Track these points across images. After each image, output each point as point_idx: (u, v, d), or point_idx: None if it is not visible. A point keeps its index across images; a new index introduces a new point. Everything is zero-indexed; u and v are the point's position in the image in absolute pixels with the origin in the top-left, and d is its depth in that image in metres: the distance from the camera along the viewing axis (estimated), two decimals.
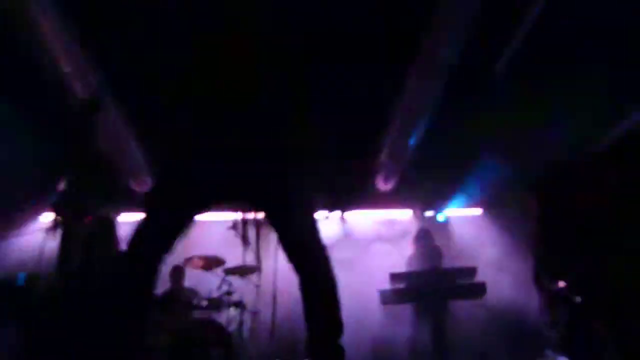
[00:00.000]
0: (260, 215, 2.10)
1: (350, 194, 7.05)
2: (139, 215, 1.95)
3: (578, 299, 3.22)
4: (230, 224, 5.03)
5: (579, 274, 3.28)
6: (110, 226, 3.87)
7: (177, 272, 5.17)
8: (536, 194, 3.61)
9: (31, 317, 3.02)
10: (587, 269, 3.25)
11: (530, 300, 3.79)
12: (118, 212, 6.53)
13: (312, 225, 2.00)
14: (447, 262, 5.61)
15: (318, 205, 6.54)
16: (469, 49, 4.47)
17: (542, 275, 3.60)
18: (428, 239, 5.73)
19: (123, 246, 3.93)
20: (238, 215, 4.89)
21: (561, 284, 3.37)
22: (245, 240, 4.74)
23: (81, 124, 1.66)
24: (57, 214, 1.53)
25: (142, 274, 1.87)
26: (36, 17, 3.83)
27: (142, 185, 6.44)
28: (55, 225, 1.52)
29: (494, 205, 7.03)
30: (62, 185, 1.60)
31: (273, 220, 2.02)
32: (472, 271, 4.88)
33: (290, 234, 1.98)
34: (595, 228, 3.34)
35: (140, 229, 1.89)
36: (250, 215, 4.78)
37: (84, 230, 3.29)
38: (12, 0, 3.71)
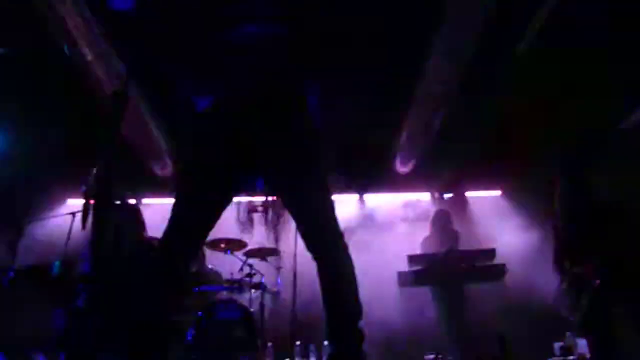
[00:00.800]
0: (279, 199, 2.15)
1: (369, 176, 7.10)
2: (162, 200, 2.02)
3: (597, 282, 3.22)
4: (252, 207, 5.12)
5: (601, 257, 3.28)
6: (136, 212, 3.99)
7: (199, 253, 5.29)
8: (560, 175, 3.60)
9: (68, 304, 3.14)
10: (609, 252, 3.25)
11: (551, 282, 3.80)
12: (142, 196, 6.70)
13: (329, 211, 2.01)
14: (466, 244, 5.62)
15: (336, 189, 6.61)
16: (488, 30, 4.42)
17: (563, 257, 3.60)
18: (446, 221, 5.73)
19: (148, 232, 4.06)
20: (259, 199, 4.97)
21: (583, 267, 3.37)
22: (266, 223, 4.81)
23: (111, 112, 1.71)
24: (89, 199, 1.59)
25: (177, 265, 1.93)
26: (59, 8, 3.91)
27: (165, 169, 6.56)
28: (86, 211, 1.58)
29: (513, 186, 6.99)
30: (93, 172, 1.66)
31: (290, 204, 2.05)
32: (491, 253, 4.89)
33: (307, 219, 2.01)
34: (619, 211, 3.33)
35: (173, 221, 1.95)
36: (270, 199, 4.86)
37: (113, 217, 3.40)
38: None
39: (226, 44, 2.03)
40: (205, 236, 2.05)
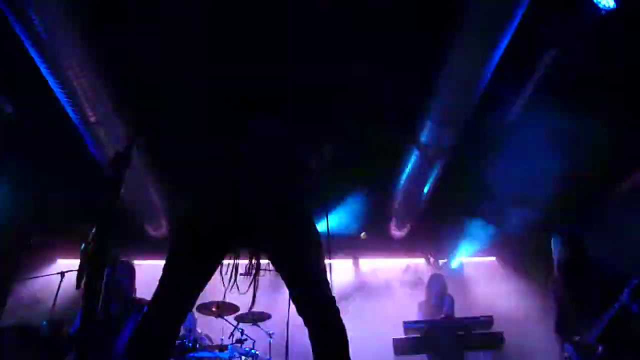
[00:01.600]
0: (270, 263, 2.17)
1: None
2: (154, 262, 2.01)
3: (600, 348, 3.16)
4: (244, 271, 5.05)
5: (604, 324, 3.23)
6: (132, 270, 3.96)
7: (190, 319, 5.15)
8: (560, 240, 3.61)
9: None
10: (611, 318, 3.21)
11: (549, 350, 3.72)
12: (134, 257, 6.62)
13: (322, 274, 2.03)
14: (462, 310, 5.53)
15: (330, 253, 6.60)
16: (480, 102, 4.58)
17: (564, 325, 3.55)
18: (441, 286, 5.67)
19: (139, 292, 4.00)
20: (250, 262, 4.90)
21: (584, 335, 3.32)
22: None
23: (113, 175, 1.75)
24: (86, 259, 1.59)
25: (164, 330, 1.91)
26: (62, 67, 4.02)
27: (158, 230, 6.54)
28: (83, 270, 1.58)
29: (507, 252, 6.98)
30: (92, 232, 1.67)
31: (283, 268, 2.06)
32: (488, 320, 4.81)
33: (299, 281, 2.02)
34: (618, 277, 3.31)
35: (163, 284, 1.94)
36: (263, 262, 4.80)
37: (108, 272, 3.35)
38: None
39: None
40: (196, 298, 2.03)
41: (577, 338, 3.37)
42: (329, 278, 2.04)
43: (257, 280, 3.43)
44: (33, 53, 3.71)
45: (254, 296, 2.17)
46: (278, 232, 2.03)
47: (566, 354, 3.45)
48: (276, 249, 2.08)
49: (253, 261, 2.15)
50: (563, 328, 3.53)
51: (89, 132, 4.54)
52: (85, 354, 1.43)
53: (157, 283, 1.96)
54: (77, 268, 1.72)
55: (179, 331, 2.00)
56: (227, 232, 2.02)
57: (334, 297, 2.02)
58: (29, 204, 4.50)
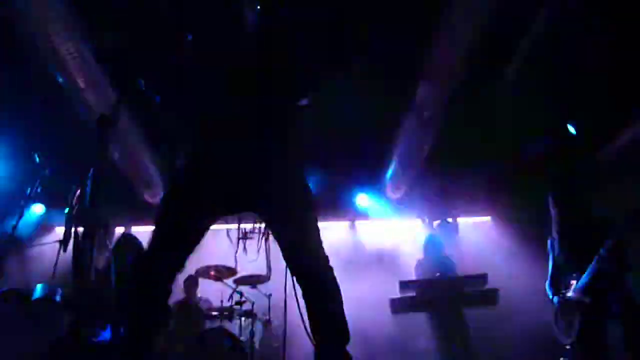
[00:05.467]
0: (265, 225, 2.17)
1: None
2: (152, 227, 2.01)
3: (588, 299, 3.22)
4: (241, 234, 5.09)
5: (588, 277, 3.28)
6: (135, 244, 3.96)
7: (191, 282, 5.24)
8: (553, 197, 3.63)
9: (50, 327, 3.08)
10: (594, 272, 3.26)
11: (545, 306, 3.79)
12: (132, 224, 6.66)
13: (316, 234, 2.04)
14: (457, 270, 5.61)
15: (326, 216, 6.66)
16: (475, 55, 4.51)
17: (556, 279, 3.61)
18: (437, 246, 5.74)
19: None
20: (248, 225, 4.94)
21: (573, 286, 3.38)
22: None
23: (97, 138, 1.73)
24: (70, 226, 1.58)
25: (155, 290, 1.92)
26: (53, 35, 3.95)
27: (156, 197, 6.54)
28: (67, 238, 1.57)
29: (502, 211, 7.03)
30: (76, 198, 1.66)
31: (276, 228, 2.08)
32: (483, 278, 4.88)
33: (293, 242, 2.03)
34: (608, 229, 3.34)
35: (153, 245, 1.94)
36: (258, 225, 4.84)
37: (103, 244, 3.38)
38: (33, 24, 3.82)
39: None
40: (184, 256, 2.01)
41: (565, 292, 3.44)
42: (322, 239, 2.05)
43: (269, 246, 3.49)
44: None
45: (268, 261, 2.16)
46: (270, 197, 2.03)
47: (554, 307, 3.53)
48: (269, 214, 2.09)
49: (256, 225, 2.17)
50: (554, 283, 3.59)
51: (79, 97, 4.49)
52: (77, 318, 1.45)
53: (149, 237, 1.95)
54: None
55: (171, 286, 1.98)
56: (216, 193, 2.01)
57: (327, 257, 2.04)
58: (18, 169, 4.48)
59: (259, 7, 2.10)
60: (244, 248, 4.63)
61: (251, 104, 2.01)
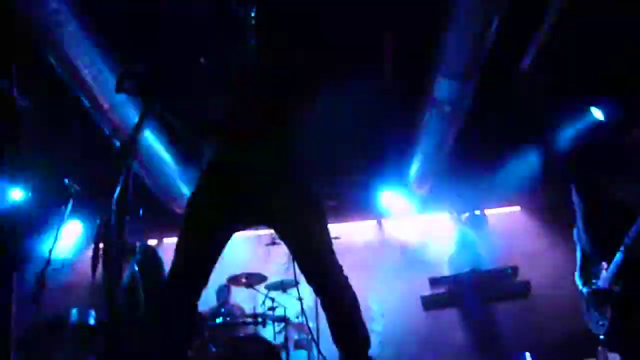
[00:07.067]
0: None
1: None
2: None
3: (617, 288, 3.15)
4: (269, 241, 5.17)
5: (620, 264, 3.21)
6: (153, 254, 4.05)
7: (224, 291, 5.35)
8: (576, 185, 3.57)
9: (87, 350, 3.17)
10: (628, 258, 3.18)
11: (577, 296, 3.72)
12: (164, 236, 6.82)
13: (326, 247, 2.08)
14: (489, 262, 5.55)
15: (354, 215, 6.67)
16: (493, 47, 4.46)
17: (585, 269, 3.55)
18: (469, 242, 5.69)
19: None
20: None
21: (603, 276, 3.31)
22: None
23: (119, 162, 1.80)
24: (99, 247, 1.65)
25: (183, 303, 1.99)
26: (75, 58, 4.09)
27: (184, 207, 6.67)
28: (96, 259, 1.64)
29: (531, 201, 6.89)
30: (103, 219, 1.72)
31: (288, 244, 2.12)
32: (513, 270, 4.83)
33: (308, 253, 2.07)
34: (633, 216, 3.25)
35: (175, 265, 2.02)
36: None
37: (128, 260, 3.46)
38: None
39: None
40: (209, 268, 2.08)
41: (595, 282, 3.37)
42: (334, 249, 2.07)
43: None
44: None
45: (294, 267, 2.22)
46: (279, 213, 2.07)
47: (585, 298, 3.47)
48: (280, 230, 2.14)
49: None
50: (584, 274, 3.53)
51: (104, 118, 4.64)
52: (112, 342, 1.51)
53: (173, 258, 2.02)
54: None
55: (196, 301, 2.05)
56: (230, 206, 2.07)
57: (340, 266, 2.07)
58: (48, 192, 4.64)
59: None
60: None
61: (260, 117, 2.06)
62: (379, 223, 7.31)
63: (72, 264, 5.38)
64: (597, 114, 4.96)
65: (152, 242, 6.28)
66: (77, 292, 4.60)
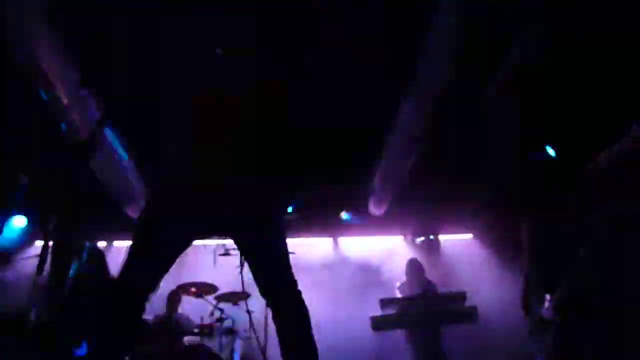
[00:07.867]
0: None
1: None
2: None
3: (557, 319, 3.25)
4: (222, 251, 5.11)
5: (563, 295, 3.33)
6: (99, 256, 3.91)
7: (174, 299, 5.21)
8: (526, 216, 3.69)
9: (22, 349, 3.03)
10: (571, 289, 3.30)
11: (523, 324, 3.83)
12: (114, 239, 6.63)
13: (286, 258, 2.08)
14: (439, 287, 5.66)
15: (310, 231, 6.69)
16: (458, 75, 4.60)
17: (530, 298, 3.66)
18: (419, 269, 5.77)
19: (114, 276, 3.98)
20: (228, 241, 4.96)
21: (546, 305, 3.42)
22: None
23: (75, 162, 1.75)
24: (48, 246, 1.60)
25: (128, 309, 1.94)
26: (36, 51, 3.97)
27: (138, 212, 6.52)
28: (44, 257, 1.58)
29: (484, 229, 7.11)
30: (54, 215, 1.67)
31: (247, 256, 2.11)
32: (462, 296, 4.93)
33: (266, 265, 2.06)
34: (579, 247, 3.39)
35: (127, 266, 1.97)
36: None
37: (75, 259, 3.33)
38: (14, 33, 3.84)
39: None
40: (161, 278, 2.04)
41: (540, 309, 3.49)
42: (290, 263, 2.08)
43: (243, 263, 3.52)
44: None
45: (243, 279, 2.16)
46: (242, 228, 2.06)
47: (528, 325, 3.58)
48: (241, 243, 2.13)
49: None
50: (528, 302, 3.64)
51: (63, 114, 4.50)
52: (53, 343, 1.46)
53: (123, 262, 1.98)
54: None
55: (144, 306, 2.00)
56: (189, 220, 2.04)
57: (295, 281, 2.07)
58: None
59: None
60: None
61: (227, 134, 2.06)
62: (335, 240, 7.37)
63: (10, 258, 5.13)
64: (551, 151, 5.17)
65: (101, 244, 6.07)
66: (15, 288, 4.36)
